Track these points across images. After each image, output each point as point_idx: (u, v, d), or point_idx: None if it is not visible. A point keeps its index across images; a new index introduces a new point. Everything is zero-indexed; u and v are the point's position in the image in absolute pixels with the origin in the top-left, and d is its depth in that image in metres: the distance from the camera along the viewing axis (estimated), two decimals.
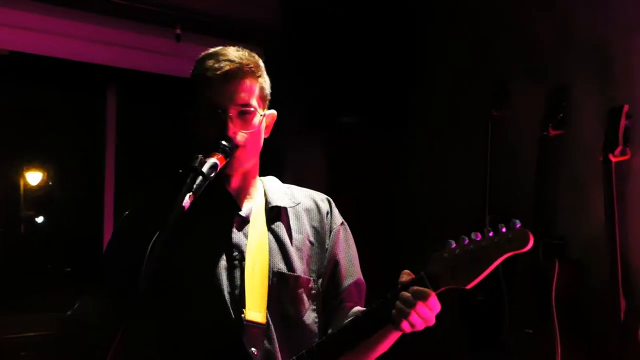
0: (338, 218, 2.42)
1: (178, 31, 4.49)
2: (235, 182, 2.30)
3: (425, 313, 2.04)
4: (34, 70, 4.51)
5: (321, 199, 2.43)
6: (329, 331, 2.31)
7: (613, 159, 3.58)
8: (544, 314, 3.72)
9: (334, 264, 2.36)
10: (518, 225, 2.01)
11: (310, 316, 2.31)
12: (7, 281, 4.57)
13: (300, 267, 2.29)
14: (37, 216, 5.05)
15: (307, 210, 2.39)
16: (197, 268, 2.23)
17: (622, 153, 3.59)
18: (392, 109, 5.03)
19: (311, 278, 2.30)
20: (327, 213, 2.40)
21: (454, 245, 2.06)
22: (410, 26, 5.01)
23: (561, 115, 3.92)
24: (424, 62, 5.00)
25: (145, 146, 5.05)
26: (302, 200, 2.40)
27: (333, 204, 2.44)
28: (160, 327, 2.23)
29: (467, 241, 2.04)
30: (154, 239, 1.90)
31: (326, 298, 2.36)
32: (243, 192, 2.33)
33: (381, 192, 5.09)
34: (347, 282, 2.37)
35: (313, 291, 2.31)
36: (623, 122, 3.58)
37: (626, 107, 3.60)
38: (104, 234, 4.70)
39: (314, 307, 2.32)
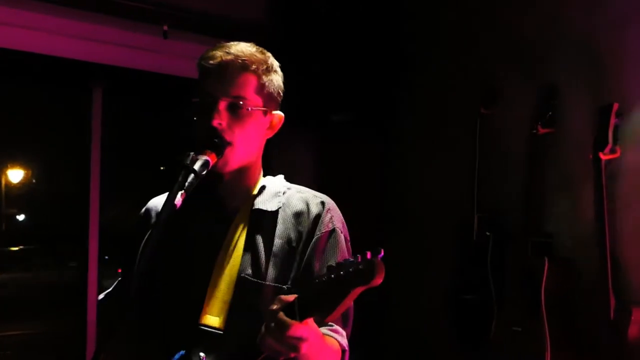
0: (328, 223, 2.24)
1: (165, 28, 4.44)
2: (228, 180, 2.23)
3: (287, 342, 1.83)
4: (18, 67, 4.44)
5: (316, 202, 2.27)
6: None
7: (603, 157, 3.55)
8: (533, 312, 3.69)
9: (307, 269, 2.18)
10: (376, 255, 1.72)
11: None
12: None
13: (271, 274, 2.17)
14: (19, 214, 4.98)
15: (296, 214, 2.24)
16: (171, 269, 2.19)
17: (612, 151, 3.56)
18: (381, 106, 5.01)
19: (275, 285, 2.15)
20: (317, 217, 2.23)
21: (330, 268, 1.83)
22: (399, 23, 4.99)
23: (550, 113, 3.89)
24: (413, 60, 4.98)
25: (131, 144, 5.01)
26: (293, 203, 2.28)
27: (330, 208, 2.27)
28: (138, 329, 2.20)
29: (333, 267, 1.80)
30: (145, 237, 1.87)
31: None
32: (234, 192, 2.26)
33: (370, 190, 5.07)
34: None
35: None
36: (613, 120, 3.56)
37: (616, 106, 3.57)
38: (89, 232, 4.65)
39: None
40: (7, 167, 4.88)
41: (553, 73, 4.03)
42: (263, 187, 2.29)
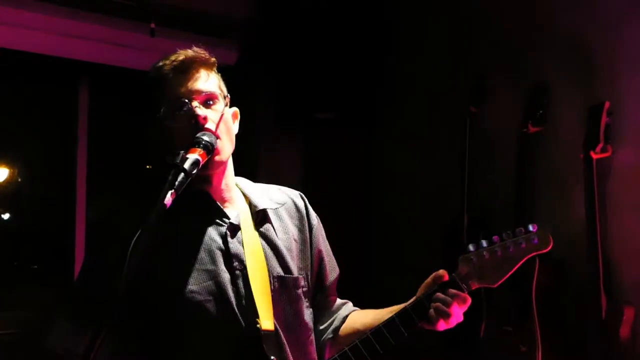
0: (314, 213, 2.39)
1: (152, 25, 4.38)
2: (216, 184, 2.18)
3: (459, 312, 2.20)
4: (2, 64, 4.37)
5: (295, 195, 2.39)
6: (342, 329, 2.38)
7: (594, 156, 3.51)
8: (523, 312, 3.64)
9: (320, 260, 2.35)
10: (535, 228, 2.20)
11: (307, 314, 2.27)
12: None
13: (294, 267, 2.24)
14: (4, 213, 4.92)
15: (287, 209, 2.32)
16: (198, 281, 2.09)
17: (603, 150, 3.52)
18: (367, 104, 4.94)
19: (301, 276, 2.26)
20: (305, 209, 2.36)
21: (476, 247, 2.23)
22: (387, 20, 4.91)
23: (541, 111, 3.83)
24: (400, 57, 4.91)
25: (117, 142, 4.92)
26: (280, 200, 2.32)
27: (306, 200, 2.40)
28: (158, 344, 2.11)
29: (489, 244, 2.20)
30: (134, 239, 1.81)
31: (314, 293, 2.34)
32: (225, 195, 2.22)
33: (356, 189, 5.00)
34: (332, 276, 2.40)
35: (305, 289, 2.26)
36: (604, 119, 3.51)
37: (607, 104, 3.53)
38: (76, 231, 4.61)
39: (307, 304, 2.28)
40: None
41: (543, 71, 3.97)
42: (244, 189, 2.29)
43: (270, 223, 2.25)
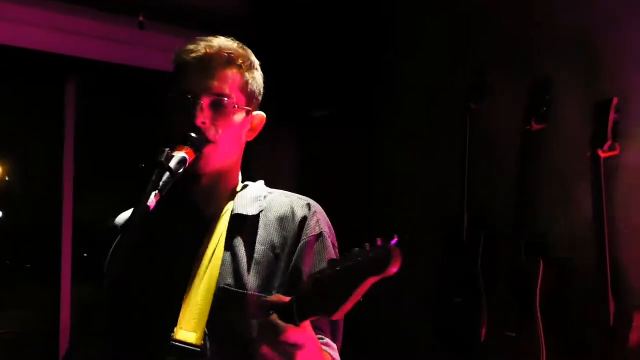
0: (315, 227, 2.05)
1: (141, 19, 4.26)
2: (206, 184, 2.04)
3: (281, 349, 1.67)
4: None
5: (301, 205, 2.08)
6: None
7: (602, 155, 3.34)
8: (527, 316, 3.48)
9: (295, 276, 1.99)
10: (380, 242, 1.55)
11: None
12: None
13: (254, 283, 1.96)
14: None
15: (280, 219, 2.05)
16: (144, 280, 1.98)
17: (611, 148, 3.36)
18: (366, 102, 4.77)
19: (260, 295, 1.96)
20: (303, 220, 2.05)
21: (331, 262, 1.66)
22: (385, 16, 4.74)
23: (545, 108, 3.66)
24: (399, 54, 4.73)
25: (105, 139, 4.80)
26: (276, 208, 2.08)
27: (316, 211, 2.08)
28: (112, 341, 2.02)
29: (337, 259, 1.63)
30: (116, 242, 1.73)
31: None
32: (212, 196, 2.06)
33: (355, 188, 4.84)
34: None
35: None
36: (612, 116, 3.35)
37: (615, 100, 3.36)
38: (62, 229, 4.47)
39: None
40: None
41: (547, 66, 3.81)
42: (243, 192, 2.10)
43: (249, 231, 2.03)
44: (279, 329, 1.63)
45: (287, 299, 1.67)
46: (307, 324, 1.67)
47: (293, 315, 1.64)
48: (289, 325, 1.63)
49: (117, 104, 4.80)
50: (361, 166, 4.87)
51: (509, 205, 3.77)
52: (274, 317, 1.65)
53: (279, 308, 1.67)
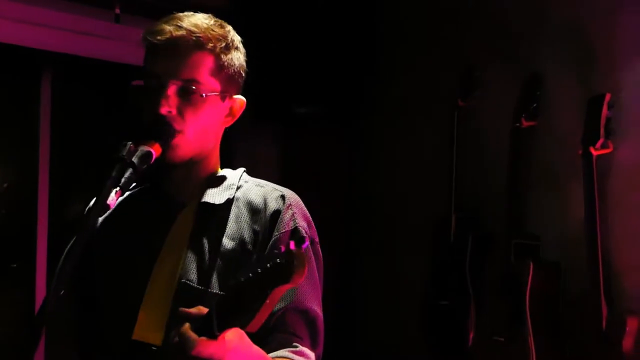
0: (289, 221, 1.84)
1: (117, 11, 4.07)
2: (177, 173, 1.87)
3: None
4: None
5: (274, 196, 1.88)
6: None
7: (594, 153, 3.17)
8: (516, 320, 3.33)
9: None
10: (300, 244, 1.37)
11: None
12: None
13: (217, 280, 1.78)
14: None
15: (252, 210, 1.86)
16: (108, 276, 1.84)
17: (604, 146, 3.18)
18: (349, 97, 4.59)
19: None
20: (275, 214, 1.84)
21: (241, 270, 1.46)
22: (369, 8, 4.57)
23: (535, 105, 3.51)
24: (383, 48, 4.56)
25: (81, 134, 4.62)
26: (249, 198, 1.88)
27: (291, 203, 1.87)
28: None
29: (254, 262, 1.47)
30: (70, 243, 1.51)
31: None
32: (185, 184, 1.89)
33: (338, 187, 4.68)
34: (280, 304, 1.75)
35: None
36: (605, 112, 3.17)
37: (608, 96, 3.19)
38: (38, 227, 4.31)
39: None
40: None
41: (537, 61, 3.66)
42: (217, 180, 1.91)
43: (218, 222, 1.85)
44: (190, 342, 1.45)
45: (206, 310, 1.50)
46: (230, 336, 1.48)
47: (211, 326, 1.45)
48: (202, 337, 1.45)
49: (93, 99, 4.63)
50: (346, 164, 4.72)
51: (498, 204, 3.63)
52: (186, 327, 1.47)
53: (197, 320, 1.49)
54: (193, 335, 1.45)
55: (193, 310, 1.52)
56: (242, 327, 1.43)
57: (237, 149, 4.12)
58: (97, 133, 4.59)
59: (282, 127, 4.61)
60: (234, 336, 1.49)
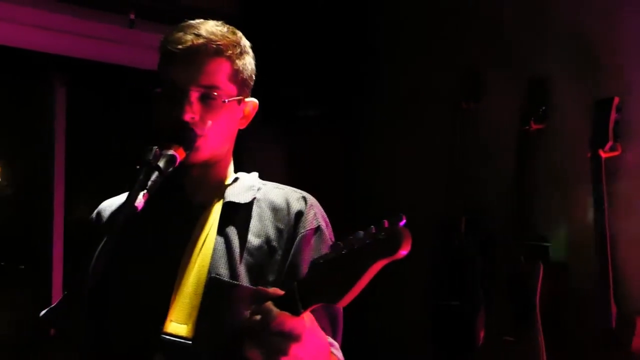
0: (312, 220, 1.93)
1: (132, 16, 4.13)
2: (196, 174, 1.92)
3: (272, 340, 1.49)
4: None
5: (296, 197, 1.96)
6: None
7: (603, 155, 3.19)
8: (526, 321, 3.33)
9: (292, 271, 1.86)
10: (397, 222, 1.40)
11: None
12: None
13: (246, 275, 1.84)
14: None
15: (274, 210, 1.92)
16: (131, 275, 1.86)
17: (613, 149, 3.20)
18: (351, 99, 4.60)
19: (252, 287, 1.83)
20: (299, 214, 1.92)
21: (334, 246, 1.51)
22: (371, 10, 4.57)
23: (543, 107, 3.51)
24: (387, 51, 4.54)
25: (96, 139, 4.63)
26: (270, 198, 1.95)
27: (312, 204, 1.96)
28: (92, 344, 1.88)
29: (341, 243, 1.49)
30: (100, 245, 1.57)
31: None
32: (203, 185, 1.95)
33: (343, 190, 4.64)
34: None
35: None
36: (613, 115, 3.19)
37: (617, 99, 3.20)
38: (54, 230, 4.32)
39: None
40: None
41: (544, 63, 3.64)
42: (235, 180, 1.98)
43: (242, 220, 1.91)
44: (271, 315, 1.47)
45: (282, 292, 1.54)
46: (308, 315, 1.52)
47: (294, 303, 1.49)
48: (284, 312, 1.48)
49: (107, 104, 4.65)
50: (350, 168, 4.70)
51: (507, 207, 3.63)
52: (269, 303, 1.50)
53: (276, 299, 1.52)
54: (276, 309, 1.48)
55: (270, 290, 1.56)
56: (333, 302, 1.46)
57: (244, 151, 4.13)
58: (111, 136, 4.62)
59: (286, 129, 4.60)
60: (310, 319, 1.54)
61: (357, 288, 1.43)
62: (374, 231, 1.42)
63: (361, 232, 1.44)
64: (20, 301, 4.53)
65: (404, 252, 1.38)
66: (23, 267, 4.67)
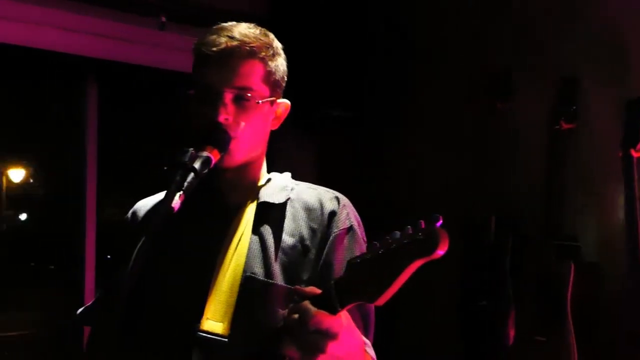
0: (345, 220, 1.95)
1: (163, 19, 4.17)
2: (229, 175, 1.93)
3: (309, 338, 1.54)
4: (9, 61, 4.08)
5: (329, 197, 1.98)
6: None
7: (635, 155, 3.15)
8: (557, 321, 3.30)
9: (326, 271, 1.89)
10: (423, 224, 1.44)
11: None
12: None
13: (281, 274, 1.87)
14: (20, 214, 4.84)
15: (308, 210, 1.95)
16: (166, 275, 1.87)
17: None
18: (387, 102, 4.58)
19: (287, 285, 1.86)
20: (332, 213, 1.94)
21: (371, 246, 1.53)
22: (401, 12, 4.56)
23: (574, 107, 3.48)
24: (419, 52, 4.52)
25: (127, 140, 4.71)
26: (304, 199, 1.97)
27: (345, 204, 1.98)
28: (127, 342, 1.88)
29: (376, 244, 1.51)
30: (138, 246, 1.58)
31: None
32: (237, 186, 1.96)
33: (371, 192, 4.55)
34: None
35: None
36: None
37: None
38: (86, 231, 4.35)
39: None
40: (7, 167, 4.61)
41: (574, 63, 3.62)
42: (269, 181, 2.00)
43: (276, 220, 1.94)
44: (309, 314, 1.52)
45: (320, 291, 1.58)
46: (345, 314, 1.56)
47: (331, 302, 1.53)
48: (322, 311, 1.52)
49: (138, 105, 4.70)
50: (379, 168, 4.68)
51: (537, 206, 3.59)
52: (307, 302, 1.55)
53: (314, 297, 1.56)
54: (313, 308, 1.52)
55: (307, 289, 1.60)
56: (369, 301, 1.49)
57: (275, 152, 4.13)
58: (142, 137, 4.67)
59: (313, 131, 4.60)
60: (347, 317, 1.58)
61: (394, 287, 1.46)
62: (411, 231, 1.44)
63: (398, 232, 1.46)
64: (52, 301, 4.58)
65: (441, 252, 1.40)
66: (53, 267, 4.73)
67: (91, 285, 4.28)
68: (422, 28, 4.52)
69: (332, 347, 1.53)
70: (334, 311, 1.52)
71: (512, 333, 3.55)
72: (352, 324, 1.62)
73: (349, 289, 1.51)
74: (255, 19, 2.01)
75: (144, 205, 2.08)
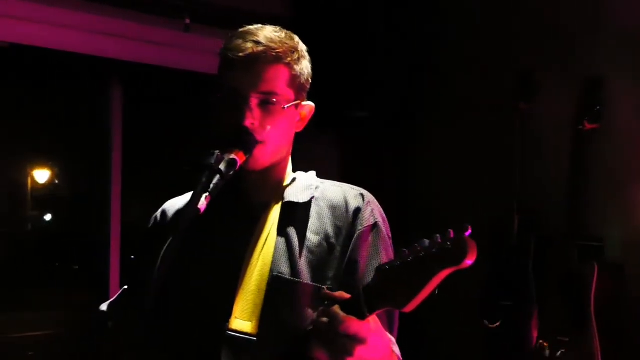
0: (370, 217, 1.94)
1: (187, 21, 4.17)
2: (255, 177, 1.93)
3: (338, 342, 1.56)
4: (34, 63, 4.15)
5: (354, 195, 1.97)
6: None
7: None
8: (580, 322, 3.27)
9: (351, 268, 1.88)
10: (452, 233, 1.46)
11: None
12: (15, 280, 4.37)
13: (307, 272, 1.87)
14: (45, 214, 4.89)
15: (333, 207, 1.95)
16: (193, 275, 1.89)
17: None
18: (409, 103, 4.57)
19: (312, 284, 1.87)
20: (356, 210, 1.93)
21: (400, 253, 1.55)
22: (427, 14, 4.54)
23: (598, 107, 3.45)
24: (442, 53, 4.51)
25: (152, 142, 4.73)
26: (328, 196, 1.97)
27: (369, 201, 1.97)
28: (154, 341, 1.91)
29: (406, 251, 1.53)
30: (165, 246, 1.60)
31: None
32: (263, 186, 1.97)
33: (396, 194, 4.61)
34: None
35: None
36: None
37: None
38: (111, 231, 4.39)
39: None
40: (33, 168, 4.64)
41: (598, 63, 3.60)
42: (293, 180, 2.00)
43: (301, 219, 1.94)
44: (338, 319, 1.55)
45: (349, 295, 1.60)
46: (373, 318, 1.58)
47: (360, 308, 1.55)
48: (351, 316, 1.55)
49: (163, 107, 4.71)
50: (404, 169, 4.68)
51: (560, 206, 3.56)
52: (336, 307, 1.57)
53: (343, 302, 1.59)
54: (342, 313, 1.55)
55: (336, 293, 1.62)
56: (398, 308, 1.51)
57: (298, 152, 4.13)
58: (167, 139, 4.68)
59: (338, 131, 4.59)
60: (375, 321, 1.59)
61: (423, 295, 1.47)
62: (439, 240, 1.45)
63: (426, 241, 1.47)
64: (76, 301, 4.61)
65: (469, 262, 1.41)
66: (77, 267, 4.75)
67: (116, 285, 4.30)
68: (449, 29, 4.51)
69: (360, 350, 1.55)
70: (362, 316, 1.54)
71: (535, 334, 3.52)
72: (380, 327, 1.64)
73: (377, 294, 1.53)
74: (278, 20, 2.01)
75: (173, 205, 2.09)
